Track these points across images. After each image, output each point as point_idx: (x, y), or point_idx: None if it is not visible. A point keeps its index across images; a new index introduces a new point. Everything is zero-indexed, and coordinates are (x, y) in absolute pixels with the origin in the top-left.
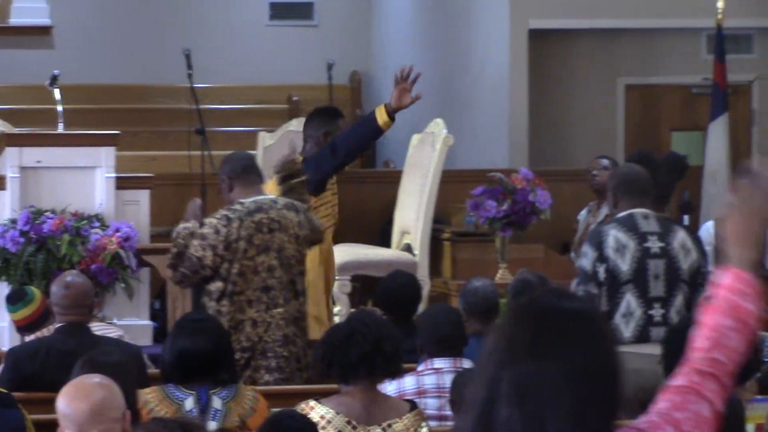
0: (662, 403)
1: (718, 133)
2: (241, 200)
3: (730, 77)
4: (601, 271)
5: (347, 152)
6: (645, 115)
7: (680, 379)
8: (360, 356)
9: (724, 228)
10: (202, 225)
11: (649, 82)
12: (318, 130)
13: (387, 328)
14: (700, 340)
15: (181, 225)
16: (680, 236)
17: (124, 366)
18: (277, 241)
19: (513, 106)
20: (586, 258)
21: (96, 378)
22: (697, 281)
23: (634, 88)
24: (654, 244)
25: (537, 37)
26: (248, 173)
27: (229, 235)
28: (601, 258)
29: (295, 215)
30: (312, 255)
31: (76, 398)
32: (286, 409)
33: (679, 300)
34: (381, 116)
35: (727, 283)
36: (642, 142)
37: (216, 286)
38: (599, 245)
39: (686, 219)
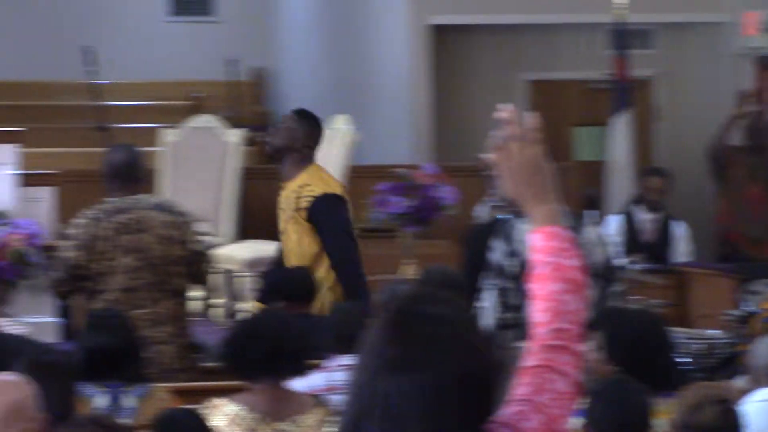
0: (522, 387)
1: (620, 128)
2: (108, 200)
3: (632, 72)
4: None
5: None
6: (546, 110)
7: (532, 359)
8: (263, 355)
9: (509, 194)
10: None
11: (550, 77)
12: None
13: (290, 325)
14: (538, 313)
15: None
16: None
17: (64, 365)
18: (140, 242)
19: (414, 102)
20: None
21: (11, 376)
22: None
23: (535, 83)
24: None
25: (439, 31)
26: (119, 174)
27: (90, 234)
28: None
29: (161, 214)
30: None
31: None
32: (178, 408)
33: None
34: None
35: (540, 246)
36: (544, 137)
37: (85, 284)
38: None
39: (593, 214)
